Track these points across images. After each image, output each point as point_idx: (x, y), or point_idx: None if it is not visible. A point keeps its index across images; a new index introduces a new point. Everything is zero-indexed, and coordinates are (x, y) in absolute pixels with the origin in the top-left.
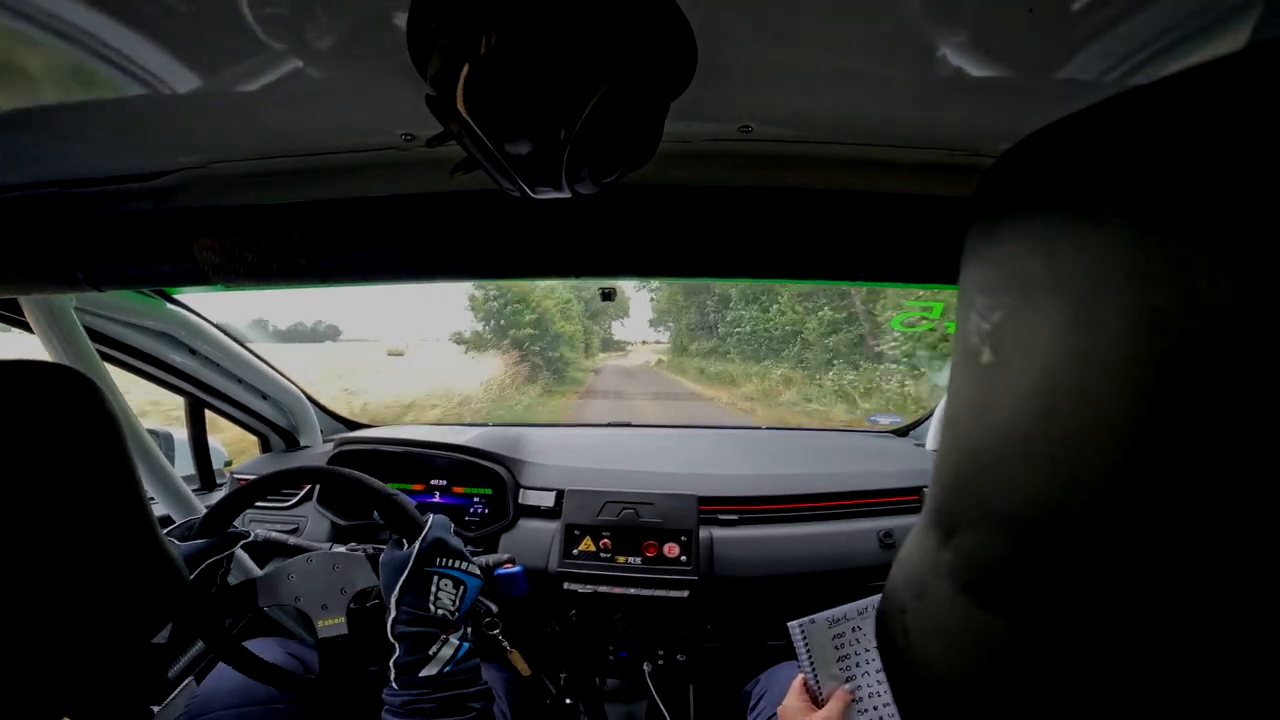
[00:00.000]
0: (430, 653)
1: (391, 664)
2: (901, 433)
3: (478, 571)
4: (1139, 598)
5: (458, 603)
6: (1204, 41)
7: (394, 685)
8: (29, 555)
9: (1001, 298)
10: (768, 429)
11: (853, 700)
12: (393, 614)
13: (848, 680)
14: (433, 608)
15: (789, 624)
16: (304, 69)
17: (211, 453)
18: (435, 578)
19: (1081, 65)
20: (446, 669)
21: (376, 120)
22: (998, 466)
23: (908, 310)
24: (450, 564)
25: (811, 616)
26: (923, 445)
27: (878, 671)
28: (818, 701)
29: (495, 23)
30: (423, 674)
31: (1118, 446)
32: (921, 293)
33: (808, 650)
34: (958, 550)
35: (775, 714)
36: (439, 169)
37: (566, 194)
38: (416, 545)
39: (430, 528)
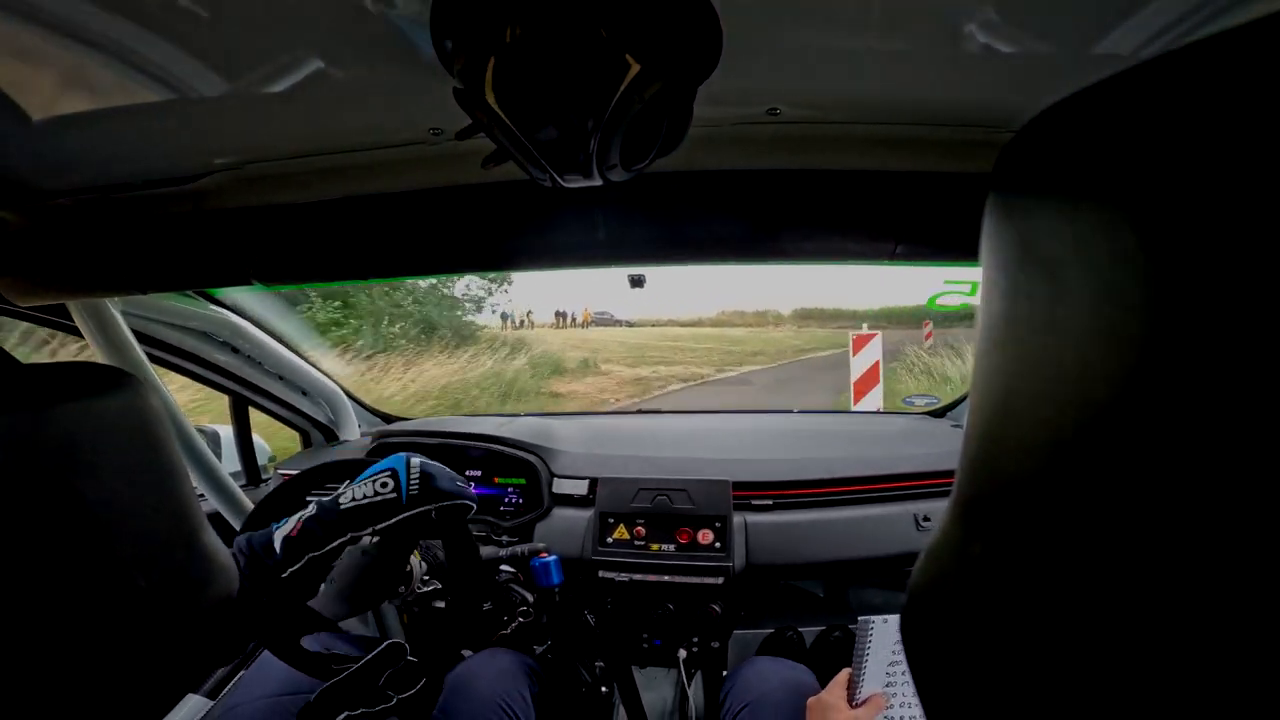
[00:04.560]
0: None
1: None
2: (938, 414)
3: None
4: (1183, 605)
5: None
6: (1246, 11)
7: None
8: (79, 551)
9: (1025, 277)
10: (800, 412)
11: (886, 707)
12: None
13: (887, 686)
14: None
15: (862, 617)
16: (329, 68)
17: (255, 449)
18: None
19: (1117, 39)
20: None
21: (405, 116)
22: (1029, 457)
23: (943, 289)
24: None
25: (885, 616)
26: (960, 426)
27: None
28: (853, 700)
29: (519, 13)
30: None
31: (1163, 440)
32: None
33: (869, 647)
34: (987, 544)
35: (746, 706)
36: (469, 161)
37: (598, 182)
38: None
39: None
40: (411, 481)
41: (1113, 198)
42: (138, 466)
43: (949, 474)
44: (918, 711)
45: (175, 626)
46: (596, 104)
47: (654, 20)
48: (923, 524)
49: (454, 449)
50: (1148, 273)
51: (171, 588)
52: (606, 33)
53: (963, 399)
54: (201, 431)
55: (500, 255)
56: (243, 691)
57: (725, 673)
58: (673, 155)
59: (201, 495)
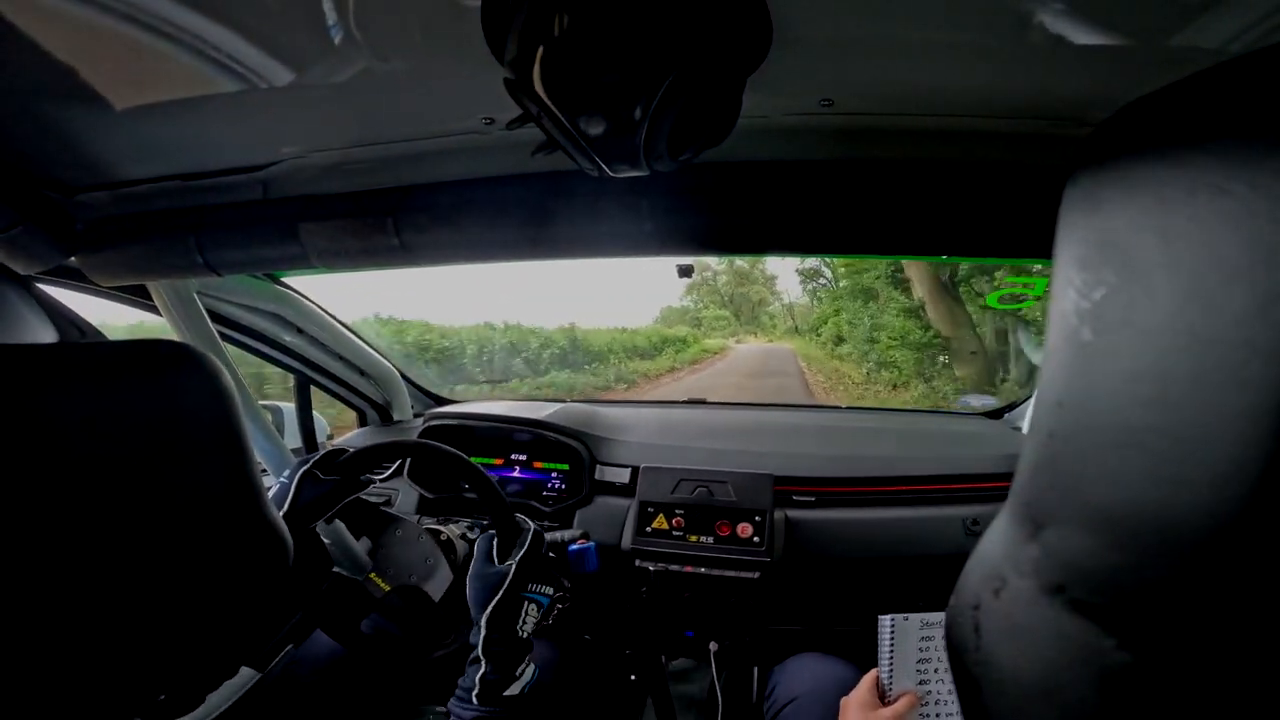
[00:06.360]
0: (516, 674)
1: (477, 679)
2: (995, 415)
3: (551, 592)
4: (1265, 619)
5: (536, 625)
6: None
7: (471, 700)
8: (153, 523)
9: (1104, 273)
10: (848, 408)
11: (920, 704)
12: (483, 632)
13: (920, 684)
14: (520, 631)
15: (881, 616)
16: (387, 60)
17: (315, 426)
18: (526, 603)
19: (1201, 29)
20: (525, 690)
21: (458, 105)
22: (1099, 458)
23: (1004, 287)
24: (538, 589)
25: (905, 614)
26: (1020, 429)
27: (954, 682)
28: (885, 699)
29: (567, 4)
30: (506, 693)
31: (1237, 443)
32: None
33: (891, 646)
34: (1046, 546)
35: (793, 701)
36: (520, 151)
37: (645, 171)
38: (513, 565)
39: (528, 545)
40: None
41: (1210, 193)
42: (208, 440)
43: (1005, 478)
44: (951, 699)
45: (237, 597)
46: (643, 94)
47: (700, 10)
48: (972, 529)
49: (501, 432)
50: (1247, 276)
51: (235, 560)
52: (653, 22)
53: (1023, 400)
54: (265, 407)
55: (549, 244)
56: (291, 670)
57: (766, 669)
58: (721, 146)
59: (264, 470)
